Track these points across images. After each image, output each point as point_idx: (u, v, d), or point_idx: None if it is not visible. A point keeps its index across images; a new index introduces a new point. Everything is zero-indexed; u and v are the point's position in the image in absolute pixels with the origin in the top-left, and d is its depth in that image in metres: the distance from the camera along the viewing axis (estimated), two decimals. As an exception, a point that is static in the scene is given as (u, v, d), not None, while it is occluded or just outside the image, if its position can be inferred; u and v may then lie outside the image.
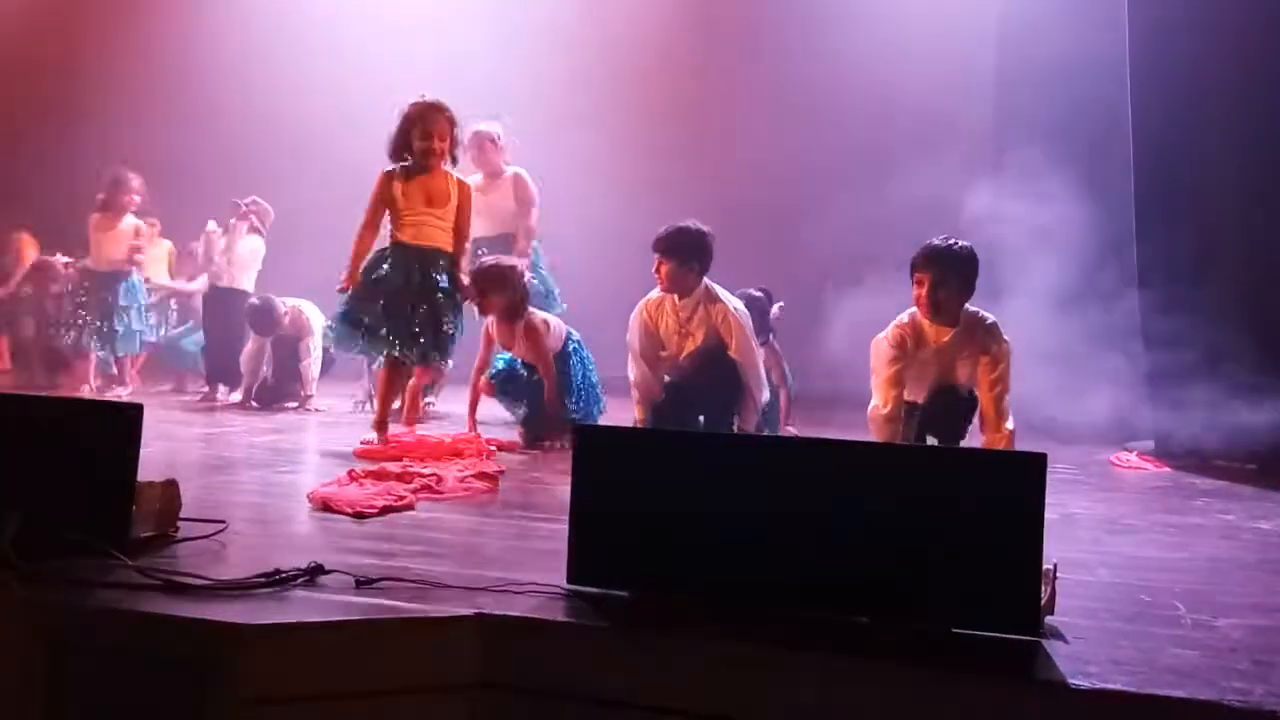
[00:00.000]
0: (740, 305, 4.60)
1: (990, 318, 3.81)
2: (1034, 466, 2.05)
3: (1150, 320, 5.46)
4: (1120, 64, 5.47)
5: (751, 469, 2.24)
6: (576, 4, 8.07)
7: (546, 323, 4.89)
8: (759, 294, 4.87)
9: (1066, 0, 6.28)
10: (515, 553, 2.67)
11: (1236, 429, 4.76)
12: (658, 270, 4.41)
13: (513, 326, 4.81)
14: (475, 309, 4.77)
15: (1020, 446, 3.65)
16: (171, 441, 4.44)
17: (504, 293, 4.70)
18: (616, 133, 7.35)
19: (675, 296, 4.49)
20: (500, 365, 4.96)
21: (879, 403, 3.84)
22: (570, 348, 4.93)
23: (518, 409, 4.94)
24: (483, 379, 4.92)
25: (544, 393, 4.77)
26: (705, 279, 4.52)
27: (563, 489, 2.37)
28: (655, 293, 4.56)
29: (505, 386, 4.91)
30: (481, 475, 3.66)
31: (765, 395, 4.67)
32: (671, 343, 4.54)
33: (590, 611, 2.13)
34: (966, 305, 3.81)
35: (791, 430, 5.03)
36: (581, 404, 4.86)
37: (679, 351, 4.52)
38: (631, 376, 4.62)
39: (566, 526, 2.31)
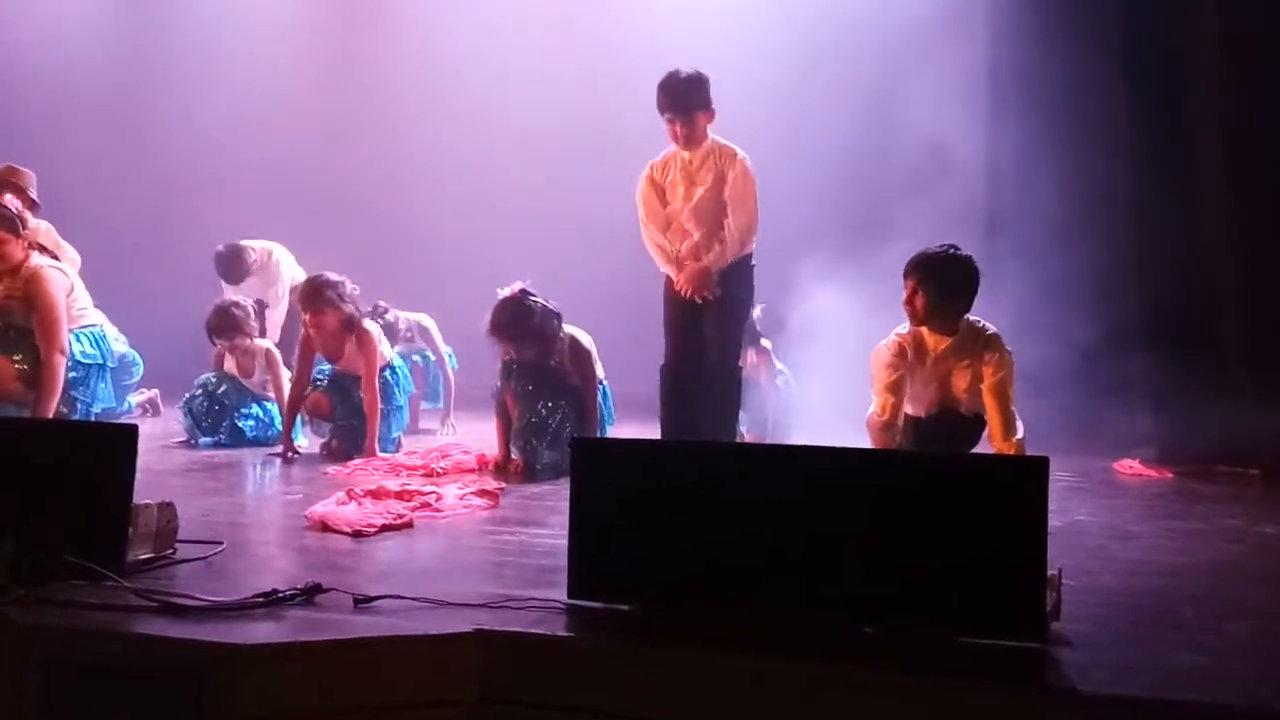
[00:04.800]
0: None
1: (991, 328, 3.79)
2: (1036, 472, 2.03)
3: (1152, 326, 5.46)
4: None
5: (752, 478, 2.22)
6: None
7: (379, 336, 4.83)
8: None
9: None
10: (515, 568, 2.65)
11: (1239, 435, 4.75)
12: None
13: (343, 339, 4.70)
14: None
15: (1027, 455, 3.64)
16: (166, 461, 4.42)
17: (335, 305, 4.63)
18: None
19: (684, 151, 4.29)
20: (322, 378, 4.82)
21: (877, 409, 3.83)
22: (395, 364, 4.90)
23: (328, 425, 4.80)
24: (315, 392, 4.73)
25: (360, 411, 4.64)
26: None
27: (563, 503, 2.35)
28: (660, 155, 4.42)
29: (335, 402, 4.74)
30: (482, 492, 3.64)
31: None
32: (677, 194, 4.35)
33: (591, 626, 2.11)
34: (967, 315, 3.79)
35: (790, 438, 4.99)
36: (395, 424, 4.83)
37: (687, 200, 4.33)
38: (650, 249, 4.43)
39: (566, 541, 2.29)
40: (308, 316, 4.72)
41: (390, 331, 5.76)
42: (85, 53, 8.63)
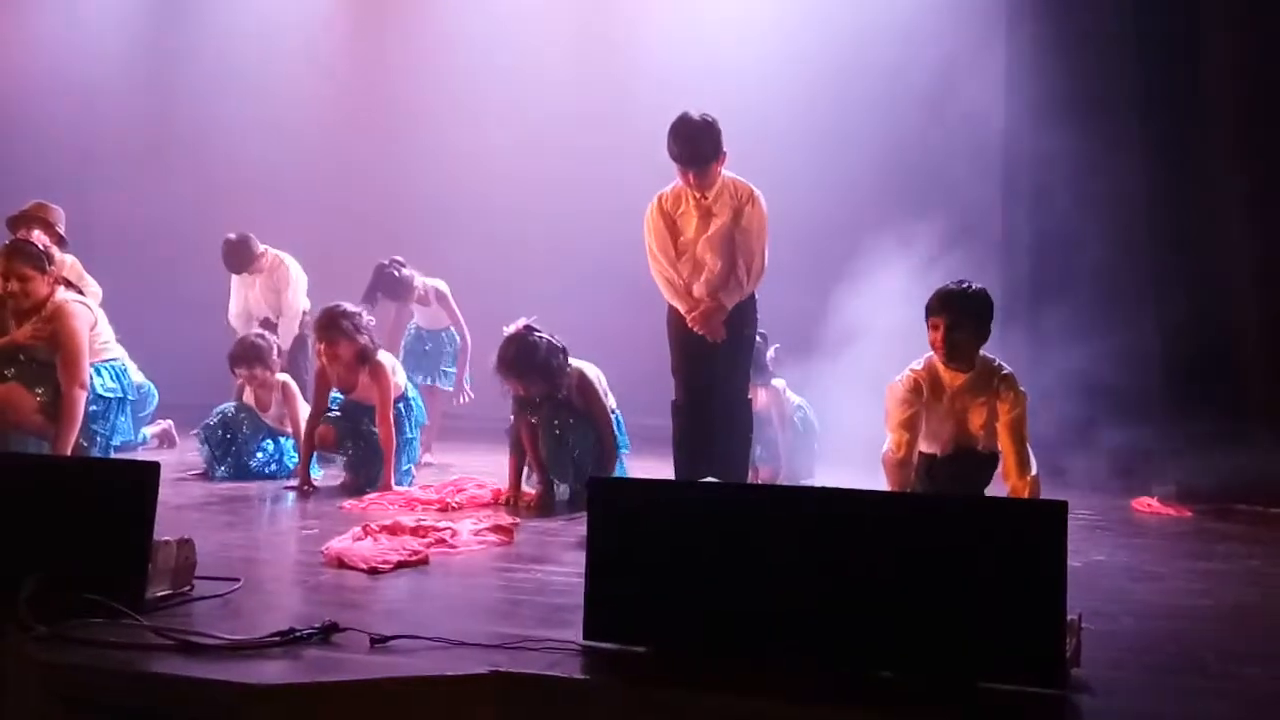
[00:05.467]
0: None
1: (1006, 368, 3.79)
2: (1054, 516, 2.03)
3: (1171, 362, 5.45)
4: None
5: (769, 520, 2.22)
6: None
7: (393, 367, 4.85)
8: (757, 337, 4.83)
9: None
10: (531, 607, 2.65)
11: (1258, 473, 4.71)
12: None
13: (358, 370, 4.73)
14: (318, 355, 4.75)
15: (1043, 493, 3.62)
16: (183, 495, 4.44)
17: (350, 337, 4.66)
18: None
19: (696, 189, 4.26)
20: (336, 401, 4.85)
21: (891, 447, 3.82)
22: (409, 395, 4.91)
23: (339, 456, 4.83)
24: (322, 424, 4.76)
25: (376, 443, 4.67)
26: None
27: (578, 540, 2.35)
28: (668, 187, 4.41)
29: (342, 435, 4.76)
30: (497, 528, 3.64)
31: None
32: (690, 225, 4.31)
33: (607, 669, 2.11)
34: (982, 351, 3.79)
35: (806, 483, 4.97)
36: (405, 456, 4.82)
37: (699, 234, 4.29)
38: (658, 281, 4.40)
39: (582, 579, 2.29)
40: (322, 346, 4.75)
41: (404, 288, 5.78)
42: (110, 87, 8.78)
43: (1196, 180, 5.77)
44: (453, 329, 5.98)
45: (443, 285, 5.93)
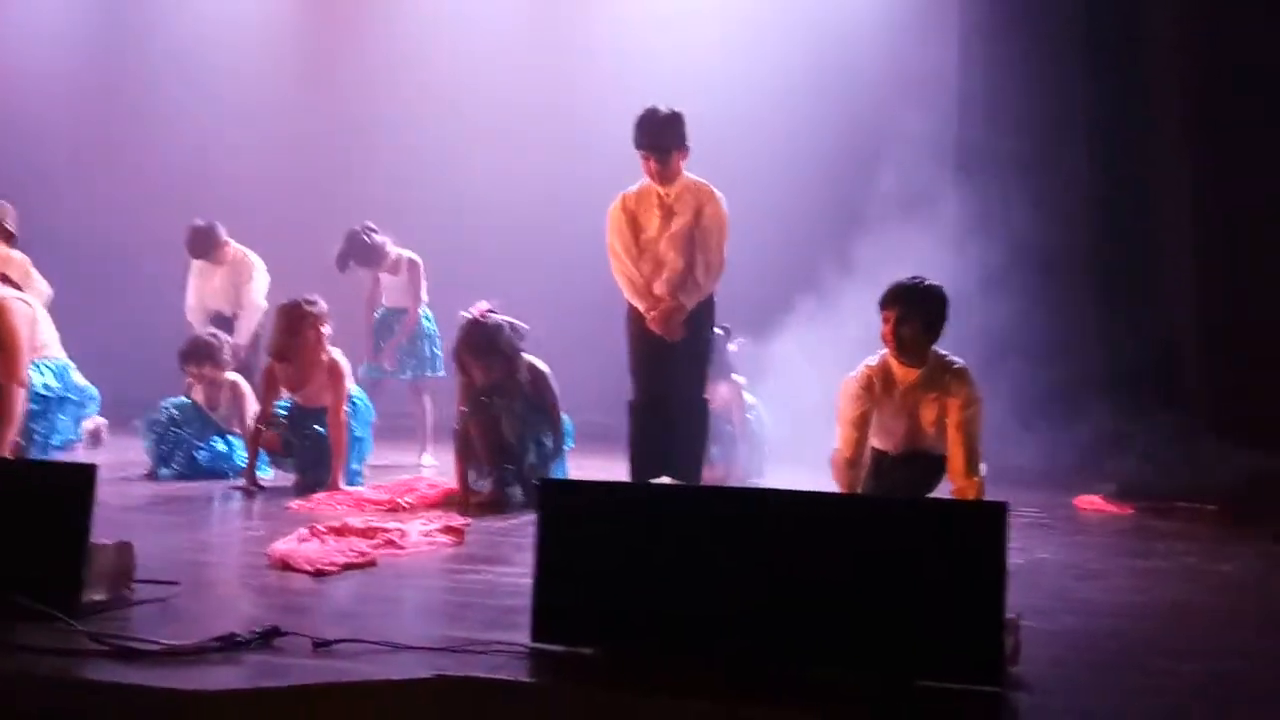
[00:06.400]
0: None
1: (959, 362, 3.81)
2: (995, 517, 2.05)
3: (1115, 363, 5.56)
4: None
5: (716, 522, 2.23)
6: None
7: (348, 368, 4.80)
8: (719, 331, 4.85)
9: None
10: (479, 609, 2.63)
11: (1199, 471, 4.82)
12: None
13: (313, 365, 4.65)
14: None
15: (988, 491, 3.66)
16: (126, 495, 4.35)
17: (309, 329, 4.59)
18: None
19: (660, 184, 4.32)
20: (282, 413, 4.77)
21: (841, 445, 3.84)
22: (354, 396, 4.86)
23: (287, 462, 4.76)
24: (267, 430, 4.67)
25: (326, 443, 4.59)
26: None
27: (529, 540, 2.34)
28: (634, 186, 4.44)
29: (288, 439, 4.68)
30: (446, 529, 3.62)
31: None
32: (652, 224, 4.35)
33: (553, 671, 2.10)
34: (935, 348, 3.82)
35: (756, 483, 4.99)
36: (355, 456, 4.78)
37: (662, 233, 4.33)
38: (619, 279, 4.41)
39: (532, 581, 2.28)
40: (286, 333, 4.63)
41: (377, 253, 5.70)
42: (60, 85, 8.61)
43: (1142, 182, 5.90)
44: (406, 307, 5.84)
45: (416, 258, 5.84)
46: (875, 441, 3.89)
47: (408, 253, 5.85)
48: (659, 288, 4.37)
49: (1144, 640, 2.53)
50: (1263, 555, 3.68)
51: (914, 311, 3.72)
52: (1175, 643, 2.53)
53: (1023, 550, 3.50)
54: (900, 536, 2.12)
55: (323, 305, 4.73)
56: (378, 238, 5.72)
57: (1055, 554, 3.60)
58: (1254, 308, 5.48)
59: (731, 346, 5.19)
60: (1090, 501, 4.72)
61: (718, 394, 4.91)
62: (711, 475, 4.79)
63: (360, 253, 5.71)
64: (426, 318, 5.87)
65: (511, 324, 4.46)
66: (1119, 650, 2.44)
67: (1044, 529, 4.10)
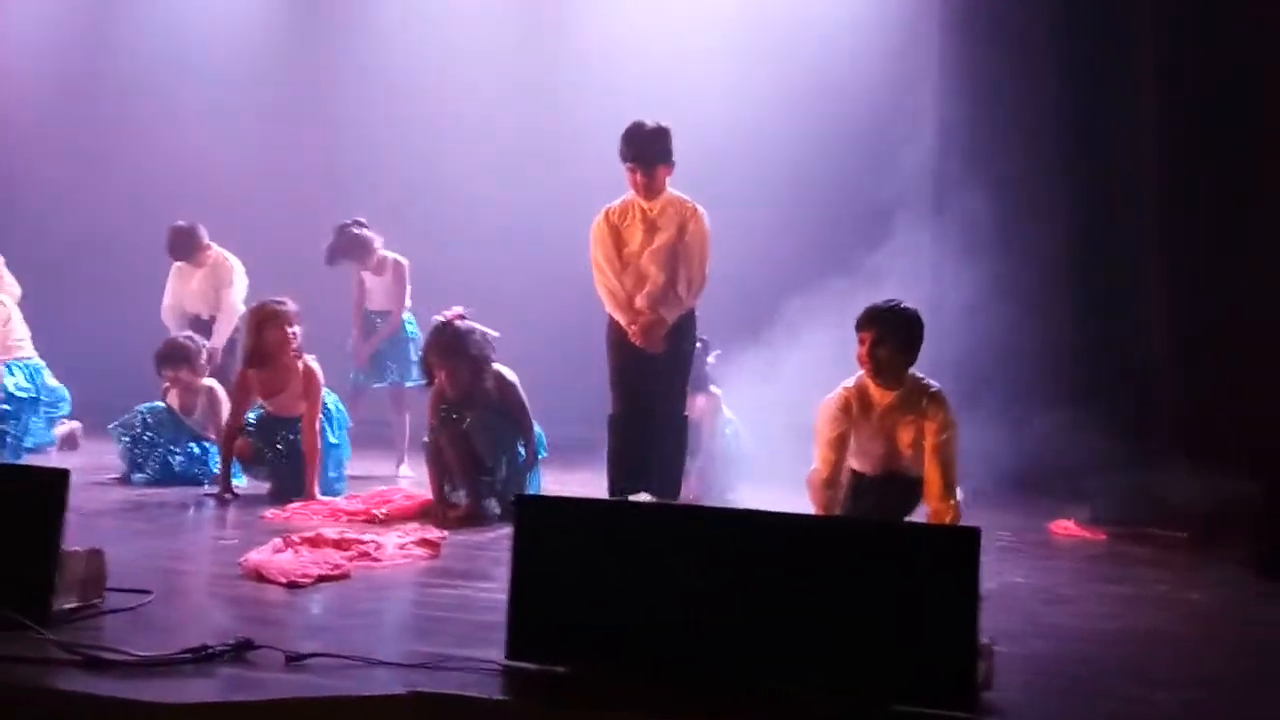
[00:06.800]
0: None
1: (936, 385, 3.84)
2: (967, 542, 2.07)
3: (1089, 389, 5.60)
4: None
5: (692, 541, 2.23)
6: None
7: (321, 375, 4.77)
8: (698, 343, 4.87)
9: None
10: (454, 625, 2.62)
11: (1170, 498, 4.86)
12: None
13: (288, 370, 4.64)
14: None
15: (964, 517, 3.68)
16: (98, 500, 4.31)
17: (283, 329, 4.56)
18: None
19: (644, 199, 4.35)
20: (252, 420, 4.76)
21: (819, 466, 3.85)
22: (328, 402, 4.84)
23: (263, 469, 4.74)
24: (240, 438, 4.64)
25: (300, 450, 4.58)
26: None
27: (507, 554, 2.33)
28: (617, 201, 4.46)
29: (261, 448, 4.66)
30: (423, 542, 3.60)
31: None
32: (635, 238, 4.38)
33: (527, 689, 2.10)
34: (913, 370, 3.84)
35: (729, 498, 5.00)
36: (332, 464, 4.76)
37: (644, 247, 4.36)
38: (601, 292, 4.44)
39: (507, 597, 2.28)
40: (254, 334, 4.61)
41: (365, 247, 5.64)
42: (42, 83, 8.53)
43: (1113, 206, 5.96)
44: (390, 309, 5.78)
45: (403, 260, 5.80)
46: (853, 463, 3.91)
47: (395, 254, 5.83)
48: (640, 301, 4.40)
49: (1115, 667, 2.55)
50: (1232, 583, 3.72)
51: (890, 333, 3.74)
52: (1146, 669, 2.55)
53: (995, 575, 3.52)
54: (874, 559, 2.13)
55: (292, 306, 4.69)
56: (367, 232, 5.69)
57: (1028, 578, 3.63)
58: (1228, 336, 5.54)
59: (710, 359, 5.20)
60: (1064, 527, 4.75)
61: (694, 406, 4.92)
62: (686, 489, 4.80)
63: (348, 246, 5.68)
64: (409, 322, 5.85)
65: (483, 332, 4.47)
66: (1090, 676, 2.46)
67: (1017, 553, 4.12)
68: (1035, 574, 3.73)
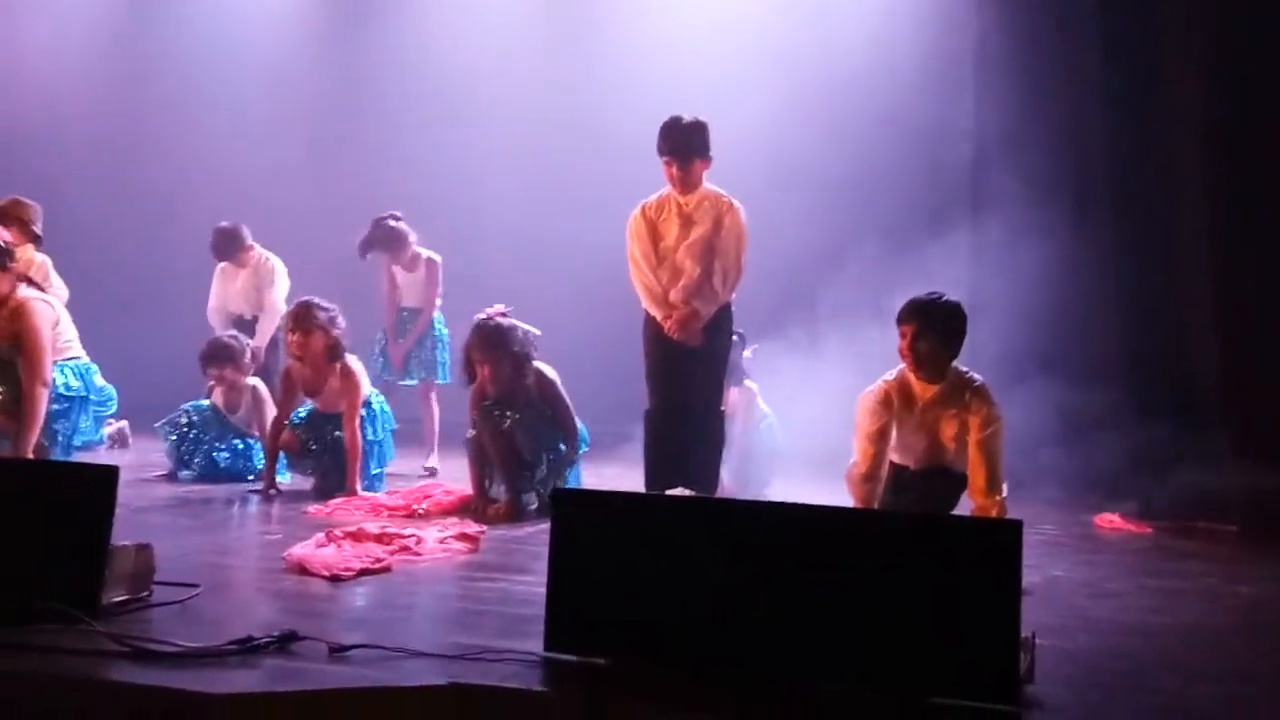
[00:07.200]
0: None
1: (979, 379, 3.79)
2: (1009, 535, 2.05)
3: (1135, 382, 5.52)
4: None
5: (727, 534, 2.23)
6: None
7: (362, 371, 4.83)
8: (734, 336, 4.86)
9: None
10: (493, 617, 2.64)
11: (1218, 491, 4.78)
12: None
13: (327, 369, 4.71)
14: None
15: (1008, 511, 3.64)
16: (146, 496, 4.39)
17: (324, 329, 4.64)
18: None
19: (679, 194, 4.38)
20: (301, 416, 4.82)
21: (858, 459, 3.83)
22: (371, 401, 4.88)
23: (308, 464, 4.80)
24: (285, 431, 4.72)
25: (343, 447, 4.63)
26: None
27: (545, 548, 2.35)
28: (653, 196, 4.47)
29: (306, 440, 4.74)
30: (462, 536, 3.64)
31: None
32: (671, 232, 4.39)
33: (566, 680, 2.11)
34: (955, 364, 3.80)
35: (764, 493, 4.98)
36: (374, 461, 4.80)
37: (680, 241, 4.37)
38: (637, 287, 4.46)
39: (545, 590, 2.29)
40: (295, 337, 4.70)
41: (400, 239, 5.69)
42: (83, 85, 8.70)
43: (1159, 196, 5.86)
44: (421, 307, 5.82)
45: (436, 257, 5.84)
46: (895, 456, 3.88)
47: (429, 251, 5.87)
48: (674, 295, 4.40)
49: (1159, 661, 2.51)
50: (1281, 577, 3.65)
51: (931, 326, 3.70)
52: (1191, 664, 2.52)
53: (1038, 568, 3.49)
54: (915, 553, 2.12)
55: (334, 310, 4.76)
56: (402, 225, 5.74)
57: (1071, 573, 3.59)
58: (1277, 330, 5.44)
59: (746, 353, 5.19)
60: (1109, 520, 4.69)
61: (729, 399, 4.91)
62: (722, 483, 4.79)
63: (383, 238, 5.73)
64: (439, 321, 5.89)
65: (525, 329, 4.51)
66: (1133, 671, 2.43)
67: (1061, 547, 4.08)
68: (1079, 568, 3.69)
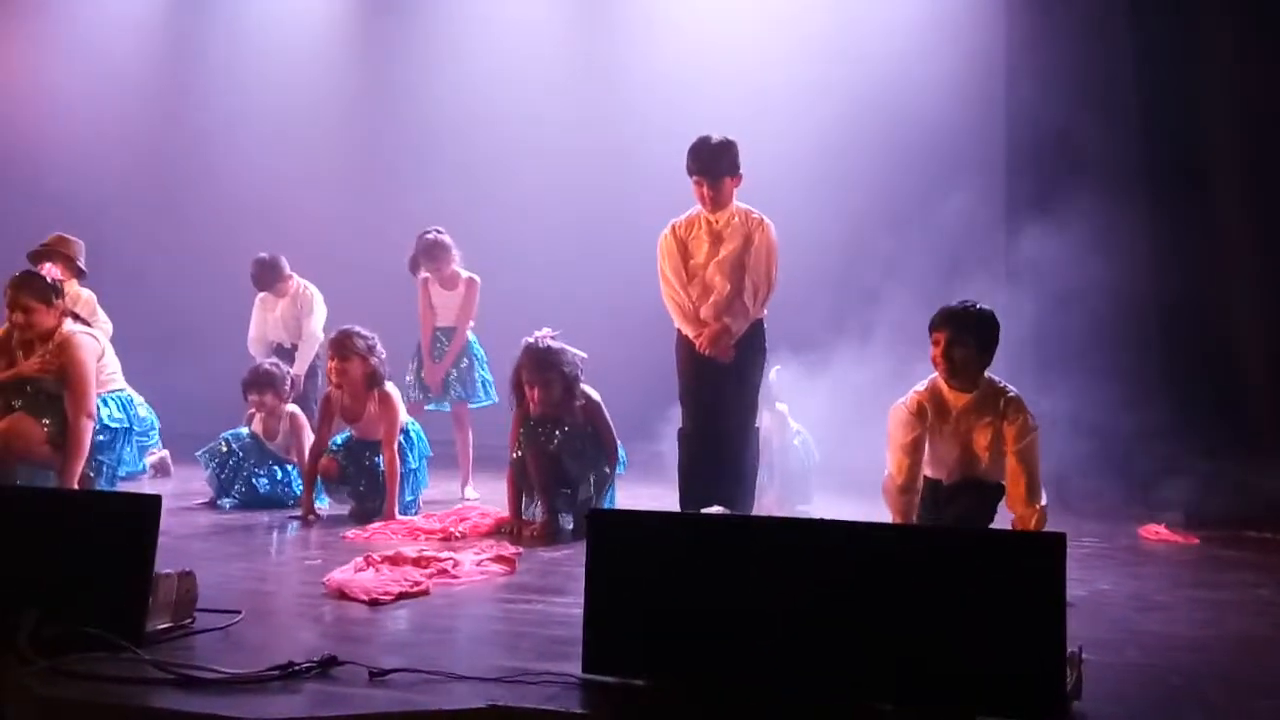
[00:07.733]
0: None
1: (1013, 390, 3.75)
2: (1053, 548, 2.02)
3: (1179, 391, 5.43)
4: None
5: (768, 552, 2.22)
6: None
7: (399, 399, 4.87)
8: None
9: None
10: (531, 639, 2.64)
11: (1268, 500, 4.69)
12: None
13: (365, 396, 4.76)
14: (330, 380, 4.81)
15: (1050, 522, 3.59)
16: (187, 524, 4.45)
17: (362, 356, 4.69)
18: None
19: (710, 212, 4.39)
20: (339, 442, 4.88)
21: (893, 471, 3.79)
22: (409, 428, 4.91)
23: (345, 490, 4.85)
24: (325, 456, 4.79)
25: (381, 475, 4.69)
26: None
27: (582, 569, 2.35)
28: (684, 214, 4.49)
29: (345, 466, 4.80)
30: (499, 559, 3.64)
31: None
32: (701, 250, 4.40)
33: (605, 702, 2.10)
34: (988, 374, 3.76)
35: (803, 509, 4.95)
36: (409, 488, 4.82)
37: (710, 259, 4.38)
38: (668, 305, 4.47)
39: (582, 611, 2.29)
40: (334, 363, 4.77)
41: (443, 252, 5.65)
42: (127, 120, 8.91)
43: (1204, 204, 5.78)
44: (456, 326, 5.79)
45: (475, 277, 5.83)
46: (928, 470, 3.83)
47: (469, 272, 5.89)
48: (705, 312, 4.40)
49: (1210, 675, 2.46)
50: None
51: (965, 333, 3.67)
52: (1242, 678, 2.46)
53: (1084, 582, 3.43)
54: (956, 568, 2.09)
55: (373, 338, 4.81)
56: (445, 238, 5.73)
57: (1117, 585, 3.52)
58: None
59: (771, 375, 5.15)
60: (1154, 531, 4.61)
61: (761, 420, 4.89)
62: (759, 503, 4.76)
63: (427, 249, 5.74)
64: (474, 342, 5.91)
65: (573, 352, 4.54)
66: (1183, 685, 2.38)
67: (1106, 559, 4.01)
68: (1126, 580, 3.62)
